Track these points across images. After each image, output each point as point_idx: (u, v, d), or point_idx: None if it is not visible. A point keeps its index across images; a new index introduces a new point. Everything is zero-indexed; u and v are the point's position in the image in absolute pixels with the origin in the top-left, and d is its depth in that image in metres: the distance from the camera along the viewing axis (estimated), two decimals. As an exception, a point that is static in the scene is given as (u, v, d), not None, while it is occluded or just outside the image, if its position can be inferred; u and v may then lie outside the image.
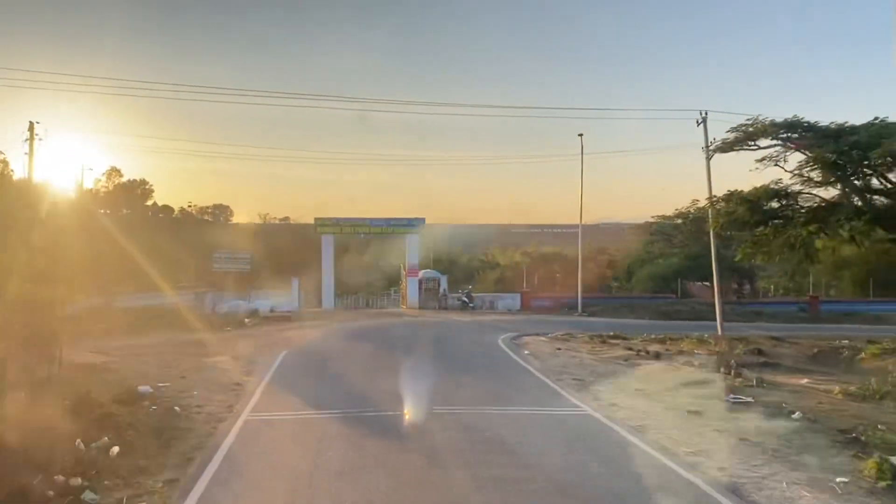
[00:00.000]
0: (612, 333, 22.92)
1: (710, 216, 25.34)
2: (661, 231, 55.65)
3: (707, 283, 52.42)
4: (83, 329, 21.73)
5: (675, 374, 15.09)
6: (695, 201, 46.11)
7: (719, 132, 27.30)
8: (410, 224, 38.47)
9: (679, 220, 55.33)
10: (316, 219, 39.05)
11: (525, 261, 69.61)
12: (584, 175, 40.99)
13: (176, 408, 11.46)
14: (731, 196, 22.19)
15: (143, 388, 12.73)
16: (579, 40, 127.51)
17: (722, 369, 15.50)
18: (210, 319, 25.42)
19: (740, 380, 14.37)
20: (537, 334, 22.76)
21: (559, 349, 17.97)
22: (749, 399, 12.58)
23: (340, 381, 13.50)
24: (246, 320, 25.41)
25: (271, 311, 31.13)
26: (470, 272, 69.00)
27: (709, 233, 50.87)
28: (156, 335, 21.61)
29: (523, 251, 72.25)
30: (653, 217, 56.93)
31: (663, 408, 11.74)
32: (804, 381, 15.35)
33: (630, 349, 18.60)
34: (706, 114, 24.95)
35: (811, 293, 40.28)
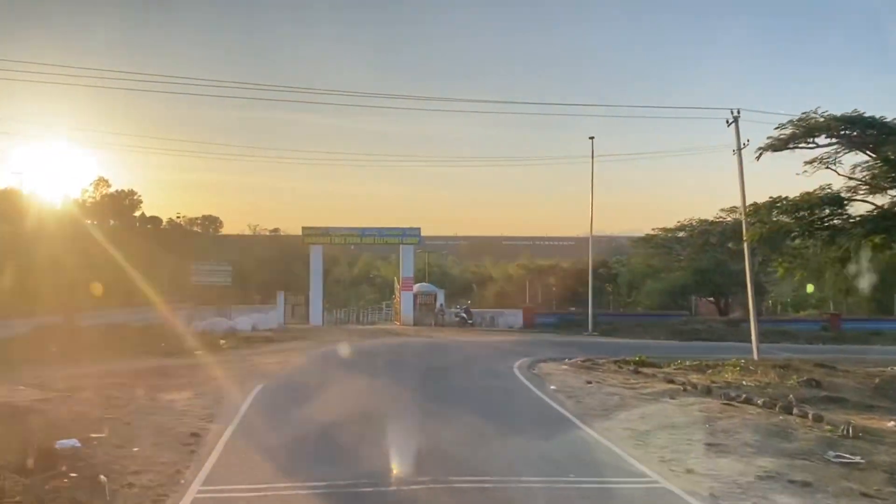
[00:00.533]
0: (637, 359, 19.95)
1: (744, 226, 22.51)
2: (663, 244, 52.87)
3: (711, 300, 49.68)
4: (29, 354, 18.53)
5: (742, 417, 12.03)
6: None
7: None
8: (405, 234, 35.26)
9: (681, 234, 52.83)
10: (303, 228, 35.80)
11: (520, 273, 66.60)
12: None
13: (102, 477, 8.23)
14: (775, 203, 19.34)
15: (63, 445, 9.52)
16: (575, 42, 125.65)
17: (796, 411, 12.52)
18: (181, 340, 22.15)
19: (828, 427, 11.36)
20: (554, 360, 19.69)
21: (589, 383, 14.87)
22: (857, 459, 9.55)
23: (325, 432, 10.33)
24: (221, 341, 22.12)
25: (253, 329, 27.90)
26: (464, 285, 65.89)
27: (717, 245, 48.30)
28: (114, 360, 18.35)
29: (519, 264, 69.30)
30: (653, 229, 54.37)
31: (756, 475, 8.66)
32: (890, 423, 12.44)
33: (671, 382, 15.55)
34: (738, 112, 22.06)
35: (832, 310, 37.50)
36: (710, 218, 48.74)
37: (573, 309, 55.21)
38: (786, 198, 19.06)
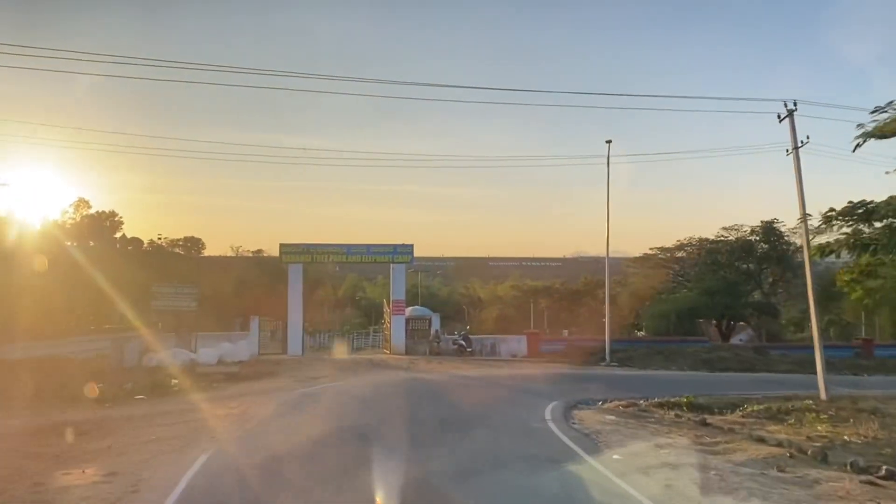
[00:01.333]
0: (686, 400, 15.95)
1: (805, 238, 18.62)
2: (663, 264, 49.19)
3: (714, 322, 45.84)
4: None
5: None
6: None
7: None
8: (396, 251, 30.93)
9: (680, 253, 49.18)
10: (281, 245, 31.36)
11: (512, 294, 62.55)
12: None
13: None
14: (856, 208, 15.45)
15: None
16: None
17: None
18: (124, 379, 17.70)
19: None
20: (587, 403, 15.55)
21: (660, 447, 10.68)
22: None
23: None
24: (173, 381, 17.63)
25: (218, 361, 23.41)
26: (455, 308, 61.60)
27: (726, 265, 44.49)
28: (24, 410, 13.89)
29: (511, 284, 65.25)
30: (651, 249, 50.69)
31: None
32: None
33: (761, 440, 11.44)
34: (795, 105, 18.30)
35: (864, 336, 33.77)
36: (711, 237, 45.36)
37: (566, 332, 51.27)
38: (870, 202, 15.21)
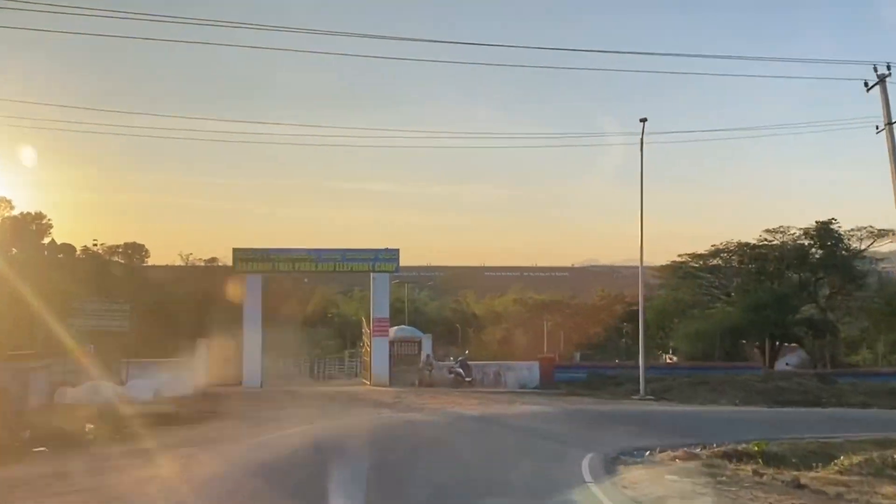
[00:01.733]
0: (755, 447, 14.14)
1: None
2: (693, 274, 47.43)
3: (757, 344, 44.02)
4: None
5: None
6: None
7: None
8: (378, 258, 28.78)
9: (714, 261, 47.44)
10: (235, 251, 29.18)
11: (516, 310, 60.74)
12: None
13: None
14: None
15: None
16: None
17: None
18: (23, 423, 15.58)
19: None
20: (632, 455, 13.64)
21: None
22: None
23: None
24: (87, 427, 15.53)
25: (155, 395, 21.32)
26: (446, 325, 59.66)
27: (774, 273, 42.79)
28: None
29: (515, 298, 63.44)
30: (680, 255, 48.89)
31: None
32: None
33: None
34: (889, 69, 16.58)
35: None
36: (752, 241, 43.67)
37: (578, 356, 49.38)
38: None
